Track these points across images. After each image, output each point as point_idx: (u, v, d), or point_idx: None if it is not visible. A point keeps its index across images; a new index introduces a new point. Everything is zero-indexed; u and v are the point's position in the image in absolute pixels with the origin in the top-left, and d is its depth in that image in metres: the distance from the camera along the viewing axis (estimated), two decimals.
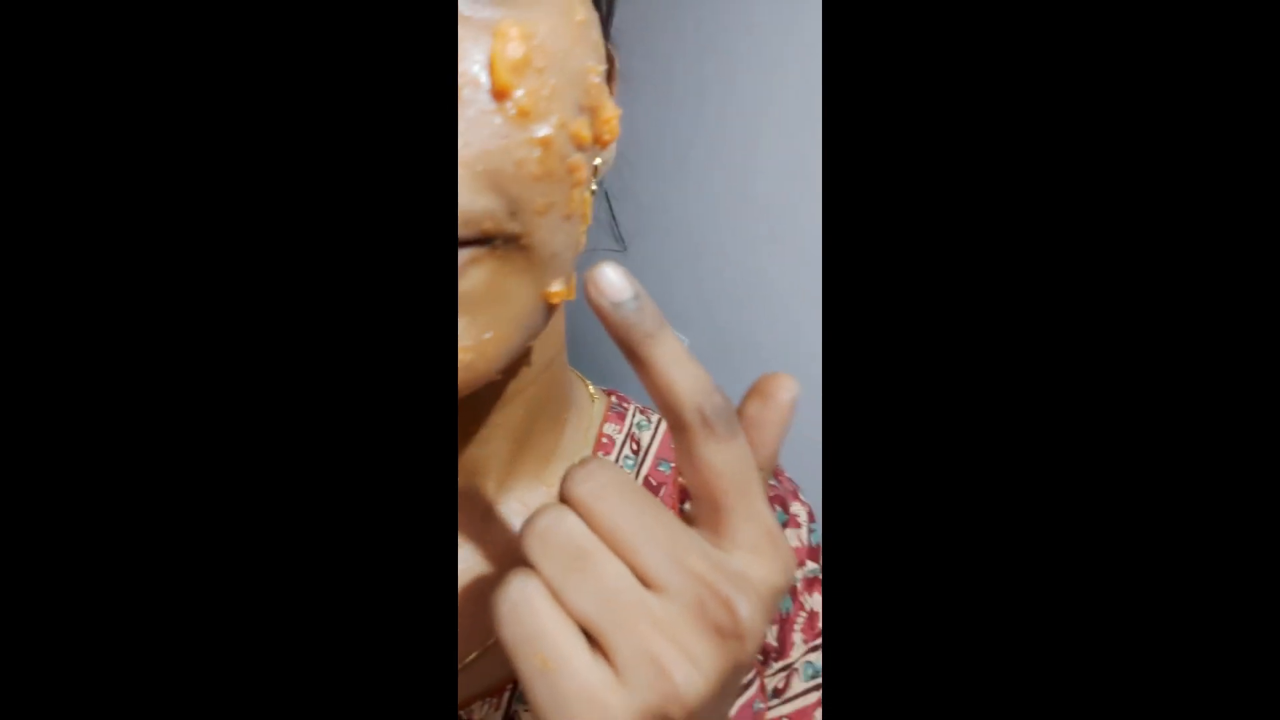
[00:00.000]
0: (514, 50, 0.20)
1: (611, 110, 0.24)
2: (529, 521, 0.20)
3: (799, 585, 0.37)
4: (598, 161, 0.29)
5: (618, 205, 0.40)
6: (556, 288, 0.24)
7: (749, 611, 0.19)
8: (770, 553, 0.20)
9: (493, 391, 0.30)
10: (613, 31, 0.29)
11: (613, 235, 0.38)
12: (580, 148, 0.23)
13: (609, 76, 0.30)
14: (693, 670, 0.18)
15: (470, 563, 0.32)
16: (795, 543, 0.37)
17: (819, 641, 0.36)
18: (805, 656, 0.36)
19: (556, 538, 0.19)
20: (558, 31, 0.21)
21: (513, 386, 0.31)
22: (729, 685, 0.19)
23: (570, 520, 0.19)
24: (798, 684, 0.35)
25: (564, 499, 0.20)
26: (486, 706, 0.31)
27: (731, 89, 1.61)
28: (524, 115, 0.20)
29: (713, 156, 1.68)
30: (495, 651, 0.31)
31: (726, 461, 0.19)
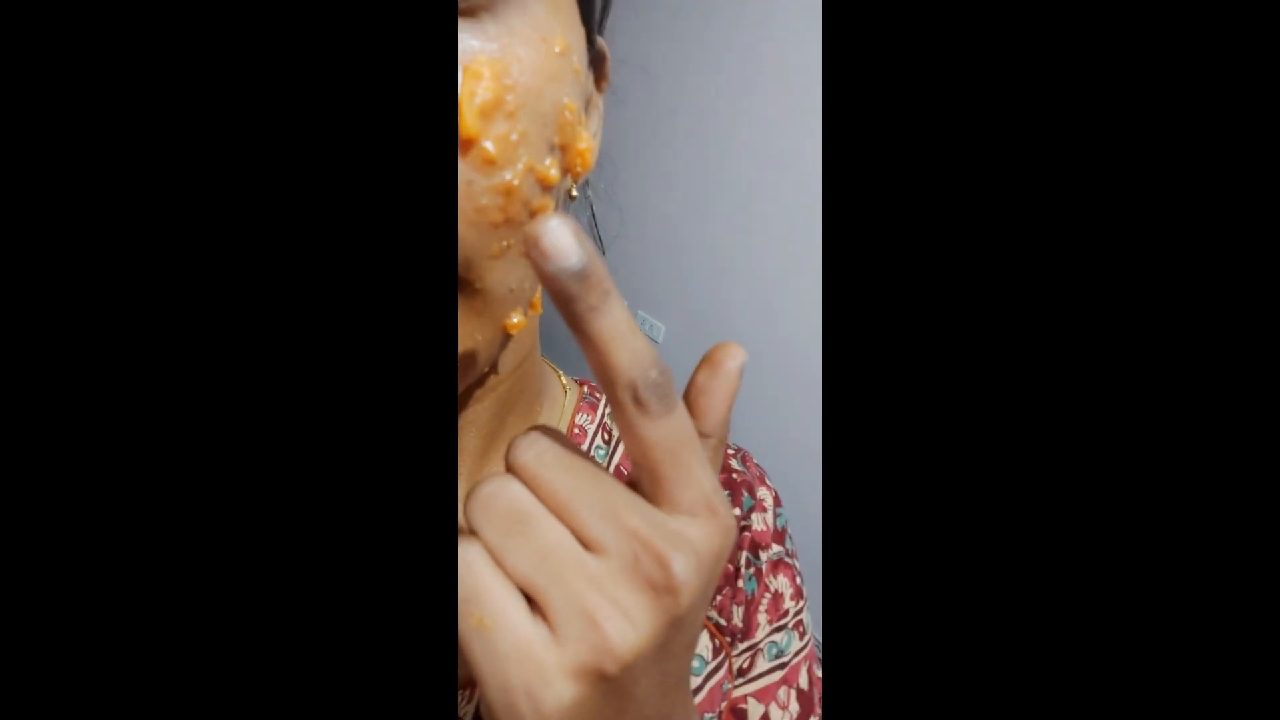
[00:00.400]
0: (484, 93, 0.19)
1: (585, 142, 0.23)
2: (473, 490, 0.20)
3: (764, 568, 0.37)
4: (579, 169, 0.29)
5: (598, 206, 0.40)
6: (516, 319, 0.24)
7: (683, 567, 0.19)
8: (707, 516, 0.20)
9: (463, 391, 0.30)
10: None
11: (592, 238, 0.38)
12: (548, 188, 0.22)
13: (599, 75, 0.30)
14: (625, 624, 0.18)
15: None
16: (761, 526, 0.38)
17: (783, 622, 0.37)
18: (769, 637, 0.37)
19: (497, 503, 0.19)
20: (535, 66, 0.20)
21: (485, 386, 0.31)
22: (669, 644, 0.19)
23: (513, 486, 0.20)
24: (762, 664, 0.36)
25: (509, 467, 0.20)
26: (460, 699, 0.32)
27: (712, 85, 1.61)
28: (489, 164, 0.20)
29: (691, 154, 1.68)
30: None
31: (660, 436, 0.19)
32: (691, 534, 0.20)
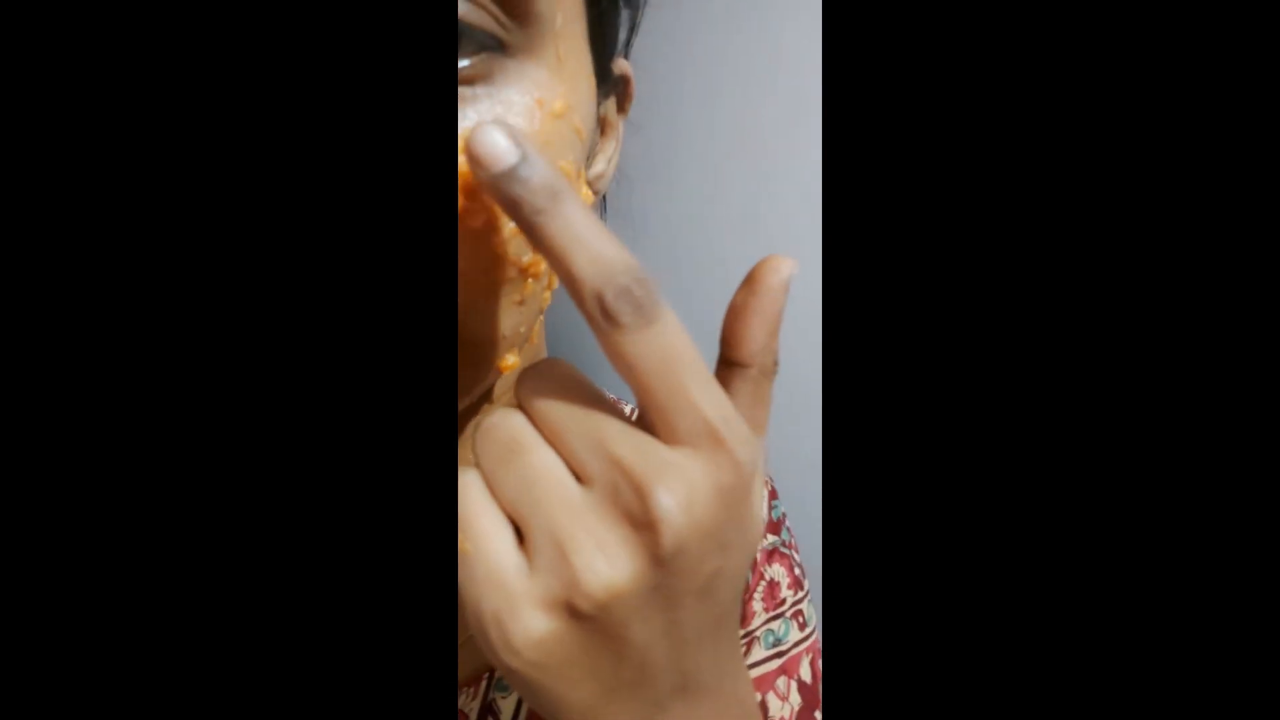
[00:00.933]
0: (465, 169, 0.18)
1: (585, 196, 0.23)
2: (480, 426, 0.20)
3: (759, 557, 0.37)
4: (584, 193, 0.29)
5: (613, 222, 0.40)
6: (510, 360, 0.24)
7: (669, 501, 0.17)
8: (710, 447, 0.18)
9: (483, 395, 0.30)
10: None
11: None
12: None
13: (622, 98, 0.29)
14: (598, 559, 0.17)
15: None
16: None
17: (780, 611, 0.37)
18: (765, 625, 0.37)
19: (496, 432, 0.19)
20: (527, 133, 0.20)
21: (501, 388, 0.31)
22: (663, 587, 0.18)
23: (514, 417, 0.19)
24: (758, 652, 0.36)
25: (516, 399, 0.20)
26: (464, 695, 0.32)
27: (714, 97, 1.61)
28: (474, 236, 0.20)
29: (694, 167, 1.68)
30: (472, 643, 0.32)
31: (641, 353, 0.17)
32: (686, 466, 0.18)
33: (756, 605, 0.37)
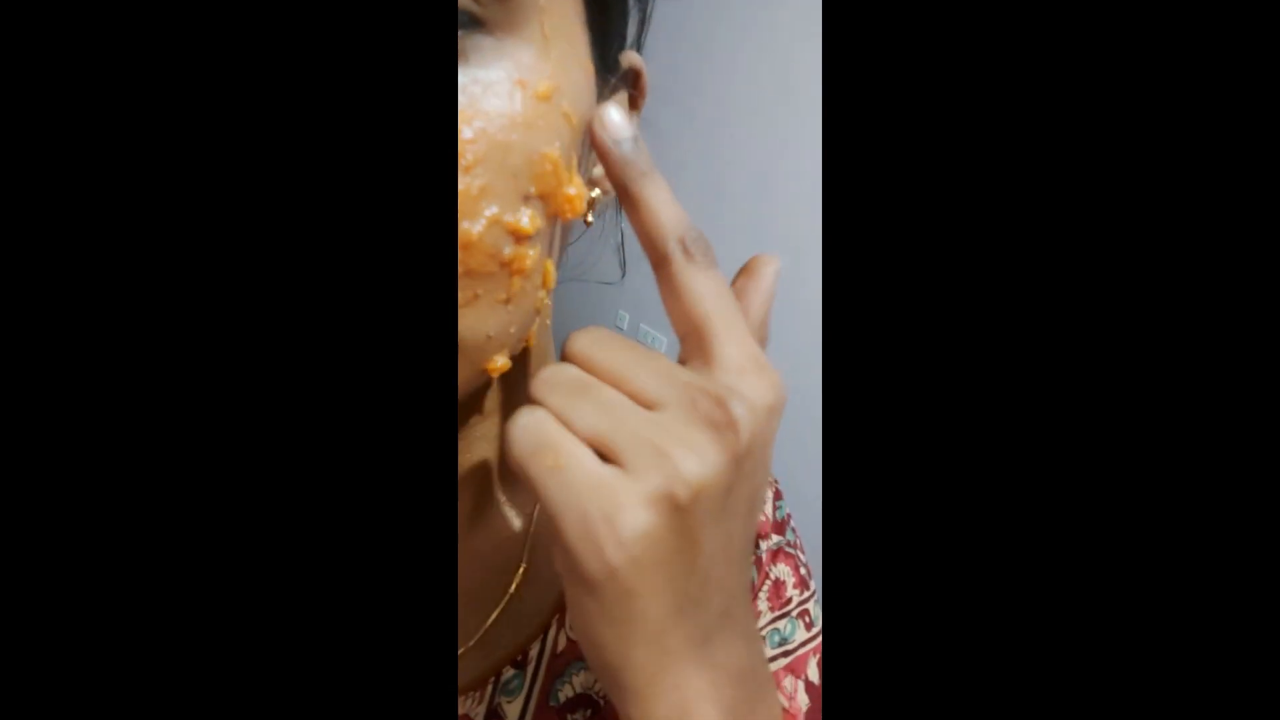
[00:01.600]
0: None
1: (577, 187, 0.22)
2: (534, 378, 0.21)
3: (764, 556, 0.37)
4: (594, 194, 0.28)
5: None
6: (499, 361, 0.23)
7: (742, 409, 0.20)
8: (757, 372, 0.21)
9: (472, 404, 0.30)
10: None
11: (619, 260, 0.37)
12: (521, 240, 0.21)
13: (635, 94, 0.28)
14: (691, 454, 0.19)
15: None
16: (761, 517, 0.38)
17: (786, 610, 0.37)
18: (771, 625, 0.36)
19: (559, 376, 0.21)
20: (505, 119, 0.20)
21: (492, 401, 0.31)
22: (733, 488, 0.20)
23: (571, 368, 0.21)
24: (765, 651, 0.36)
25: (564, 356, 0.22)
26: (470, 700, 0.32)
27: (716, 105, 1.62)
28: None
29: (695, 174, 1.69)
30: (477, 648, 0.32)
31: (708, 287, 0.21)
32: (744, 385, 0.21)
33: (762, 604, 0.36)
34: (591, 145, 0.22)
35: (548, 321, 0.33)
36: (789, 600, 0.37)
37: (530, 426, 0.20)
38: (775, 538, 0.38)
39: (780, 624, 0.37)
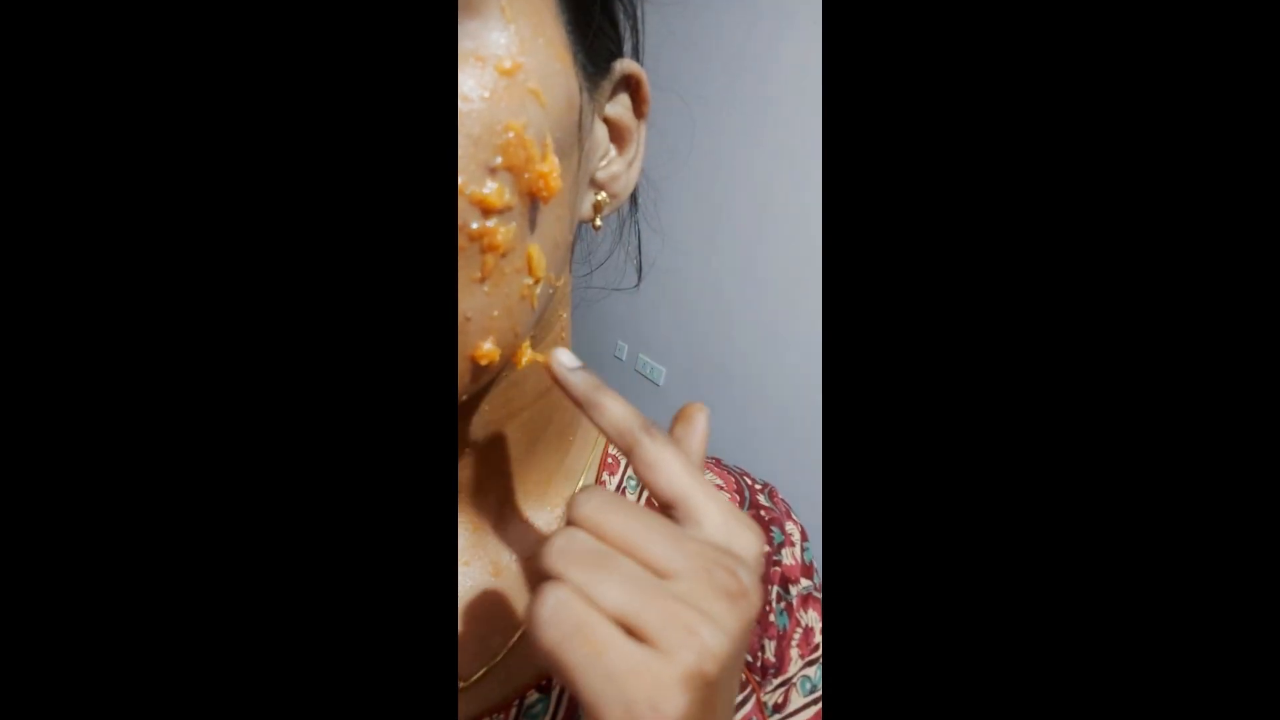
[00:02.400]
0: None
1: (551, 165, 0.22)
2: (545, 546, 0.22)
3: (794, 602, 0.37)
4: (600, 197, 0.28)
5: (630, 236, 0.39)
6: (488, 347, 0.23)
7: (747, 574, 0.22)
8: (739, 526, 0.23)
9: (483, 416, 0.30)
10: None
11: (636, 265, 0.38)
12: (490, 212, 0.21)
13: (637, 102, 0.29)
14: (716, 629, 0.20)
15: (474, 581, 0.32)
16: (791, 560, 0.38)
17: (815, 656, 0.37)
18: (802, 671, 0.36)
19: (575, 548, 0.21)
20: (465, 89, 0.20)
21: (504, 412, 0.31)
22: (743, 643, 0.22)
23: (582, 534, 0.22)
24: (796, 699, 0.36)
25: (570, 522, 0.22)
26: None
27: (712, 133, 1.65)
28: None
29: (693, 202, 1.71)
30: (500, 669, 0.31)
31: (675, 459, 0.24)
32: (737, 545, 0.23)
33: (793, 652, 0.36)
34: (552, 379, 0.26)
35: (565, 336, 0.32)
36: (818, 646, 0.37)
37: (559, 609, 0.20)
38: (805, 582, 0.38)
39: (810, 671, 0.37)
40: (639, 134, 0.29)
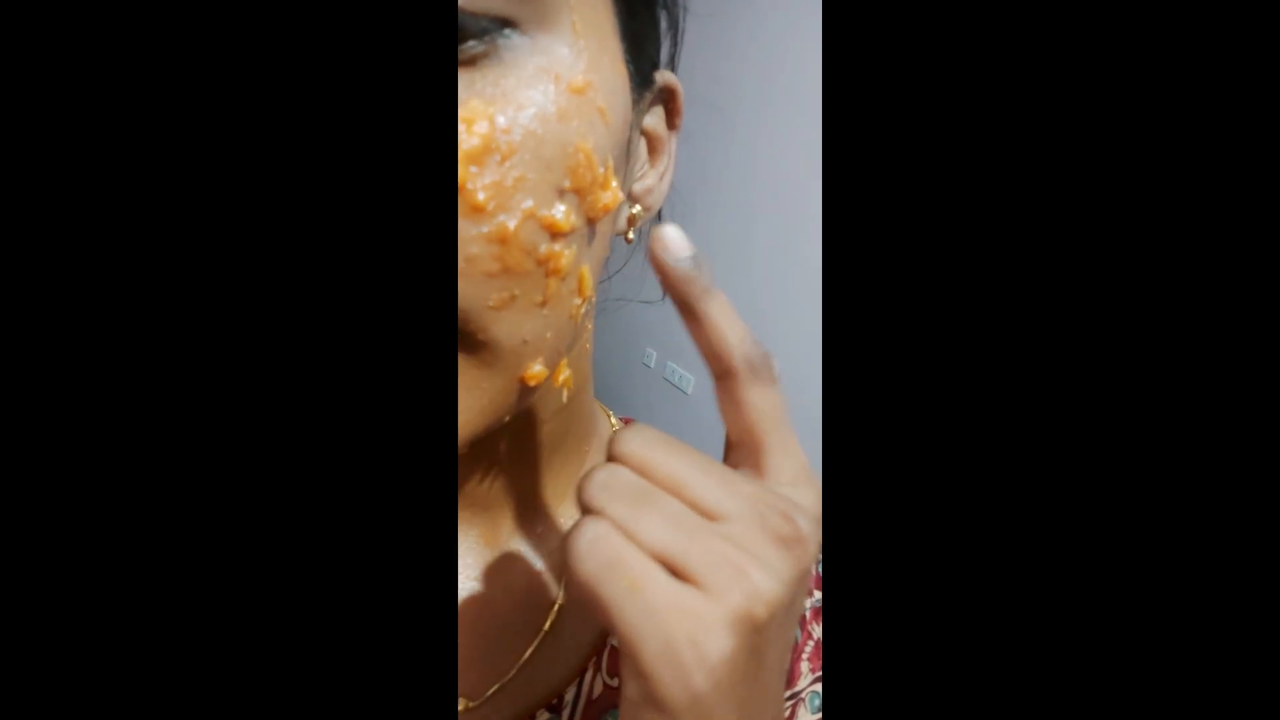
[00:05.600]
0: (468, 139, 0.18)
1: (612, 191, 0.22)
2: (585, 479, 0.21)
3: (807, 615, 0.36)
4: (635, 210, 0.28)
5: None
6: (536, 368, 0.23)
7: (805, 522, 0.20)
8: (809, 483, 0.22)
9: (504, 430, 0.30)
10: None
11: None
12: (558, 236, 0.21)
13: (671, 114, 0.29)
14: (768, 573, 0.19)
15: (485, 598, 0.32)
16: None
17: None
18: (811, 686, 0.35)
19: (617, 483, 0.20)
20: (539, 107, 0.19)
21: (526, 426, 0.31)
22: (797, 594, 0.20)
23: (624, 471, 0.21)
24: (804, 715, 0.35)
25: (613, 458, 0.21)
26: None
27: (737, 147, 1.65)
28: (477, 210, 0.19)
29: (723, 212, 1.71)
30: (510, 688, 0.31)
31: (769, 402, 0.22)
32: (800, 497, 0.21)
33: (804, 666, 0.35)
34: (651, 263, 0.22)
35: (588, 346, 0.32)
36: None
37: (597, 541, 0.19)
38: (817, 594, 0.37)
39: (819, 686, 0.36)
40: (670, 145, 0.29)
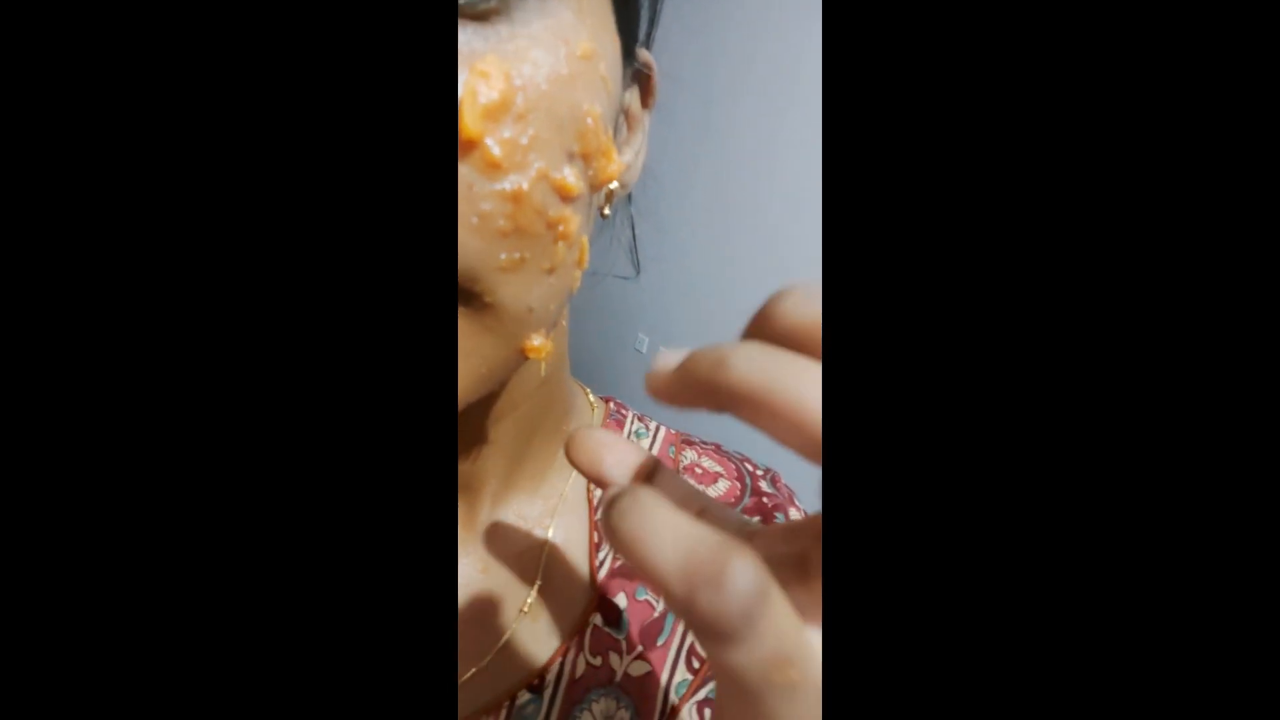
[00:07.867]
0: (488, 94, 0.18)
1: (614, 154, 0.22)
2: (572, 439, 0.21)
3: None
4: (614, 186, 0.28)
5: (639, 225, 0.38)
6: (536, 341, 0.23)
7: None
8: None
9: (483, 409, 0.30)
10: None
11: (632, 260, 0.37)
12: (567, 199, 0.21)
13: (645, 91, 0.29)
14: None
15: (463, 579, 0.32)
16: None
17: None
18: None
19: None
20: (551, 69, 0.19)
21: (505, 404, 0.31)
22: None
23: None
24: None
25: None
26: None
27: (733, 131, 1.64)
28: (493, 167, 0.19)
29: (714, 198, 1.70)
30: (490, 669, 0.31)
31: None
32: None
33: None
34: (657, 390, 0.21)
35: (564, 322, 0.32)
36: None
37: (628, 493, 0.18)
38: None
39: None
40: (645, 123, 0.29)
